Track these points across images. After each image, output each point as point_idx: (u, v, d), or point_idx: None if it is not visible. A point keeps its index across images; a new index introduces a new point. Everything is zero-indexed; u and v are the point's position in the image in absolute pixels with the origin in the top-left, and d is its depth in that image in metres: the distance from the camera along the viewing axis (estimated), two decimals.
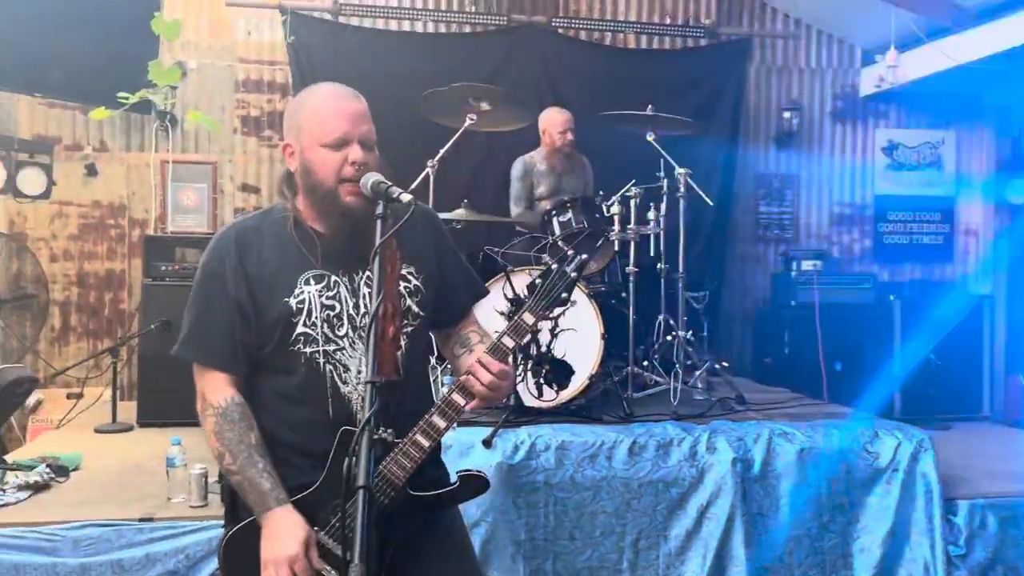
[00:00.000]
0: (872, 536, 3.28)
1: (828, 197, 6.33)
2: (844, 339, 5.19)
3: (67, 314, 5.58)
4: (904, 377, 5.11)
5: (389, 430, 1.51)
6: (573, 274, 1.75)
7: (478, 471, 1.83)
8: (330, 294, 1.76)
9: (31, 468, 3.23)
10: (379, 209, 1.64)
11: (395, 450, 1.67)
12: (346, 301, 1.77)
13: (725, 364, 4.72)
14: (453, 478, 1.83)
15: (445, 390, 1.74)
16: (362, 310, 1.77)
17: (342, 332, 1.76)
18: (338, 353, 1.76)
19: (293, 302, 1.74)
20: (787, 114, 6.12)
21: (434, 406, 1.71)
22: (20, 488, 3.05)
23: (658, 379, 4.06)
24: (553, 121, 4.70)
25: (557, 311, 3.52)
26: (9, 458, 3.45)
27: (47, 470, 3.22)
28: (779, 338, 5.35)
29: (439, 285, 1.90)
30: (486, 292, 2.05)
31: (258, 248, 1.77)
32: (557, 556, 3.11)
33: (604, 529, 3.14)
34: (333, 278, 1.77)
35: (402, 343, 1.78)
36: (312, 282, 1.76)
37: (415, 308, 1.83)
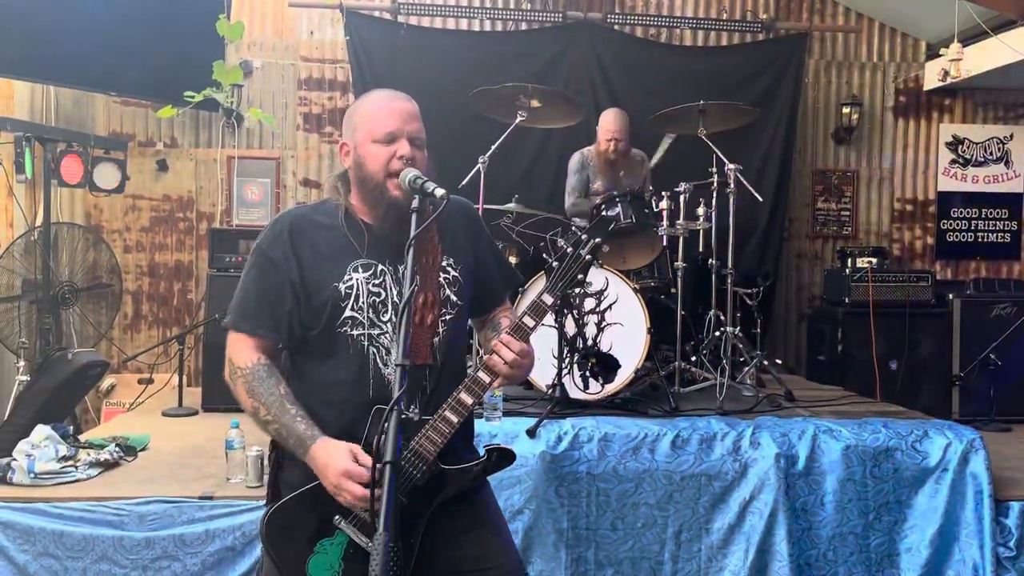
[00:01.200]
0: (920, 535, 3.24)
1: (889, 193, 6.22)
2: (900, 338, 5.10)
3: (139, 303, 5.85)
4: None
5: (415, 409, 1.59)
6: (588, 257, 1.83)
7: (505, 445, 1.91)
8: (376, 282, 1.85)
9: (102, 447, 3.41)
10: (414, 203, 1.74)
11: (426, 426, 1.75)
12: (391, 289, 1.86)
13: (778, 361, 4.67)
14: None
15: (471, 368, 1.81)
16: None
17: (386, 318, 1.85)
18: (382, 337, 1.84)
19: (342, 287, 1.83)
20: (847, 109, 6.02)
21: (461, 384, 1.79)
22: (91, 465, 3.22)
23: (707, 375, 4.06)
24: (604, 128, 4.63)
25: (604, 304, 3.59)
26: (83, 437, 3.65)
27: (117, 449, 3.40)
28: (832, 336, 5.27)
29: (476, 275, 1.98)
30: (523, 282, 2.11)
31: (310, 235, 1.87)
32: (599, 545, 3.16)
33: (646, 520, 3.17)
34: (380, 267, 1.86)
35: (440, 330, 1.87)
36: (360, 270, 1.85)
37: (453, 298, 1.91)
